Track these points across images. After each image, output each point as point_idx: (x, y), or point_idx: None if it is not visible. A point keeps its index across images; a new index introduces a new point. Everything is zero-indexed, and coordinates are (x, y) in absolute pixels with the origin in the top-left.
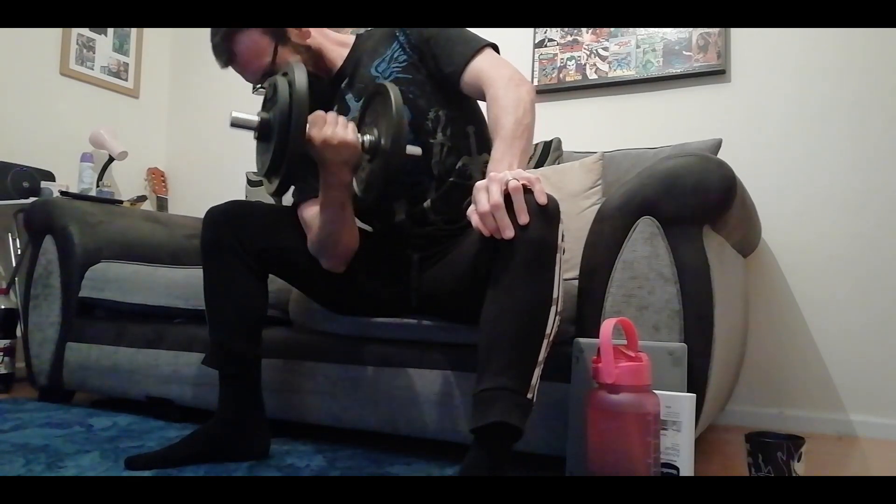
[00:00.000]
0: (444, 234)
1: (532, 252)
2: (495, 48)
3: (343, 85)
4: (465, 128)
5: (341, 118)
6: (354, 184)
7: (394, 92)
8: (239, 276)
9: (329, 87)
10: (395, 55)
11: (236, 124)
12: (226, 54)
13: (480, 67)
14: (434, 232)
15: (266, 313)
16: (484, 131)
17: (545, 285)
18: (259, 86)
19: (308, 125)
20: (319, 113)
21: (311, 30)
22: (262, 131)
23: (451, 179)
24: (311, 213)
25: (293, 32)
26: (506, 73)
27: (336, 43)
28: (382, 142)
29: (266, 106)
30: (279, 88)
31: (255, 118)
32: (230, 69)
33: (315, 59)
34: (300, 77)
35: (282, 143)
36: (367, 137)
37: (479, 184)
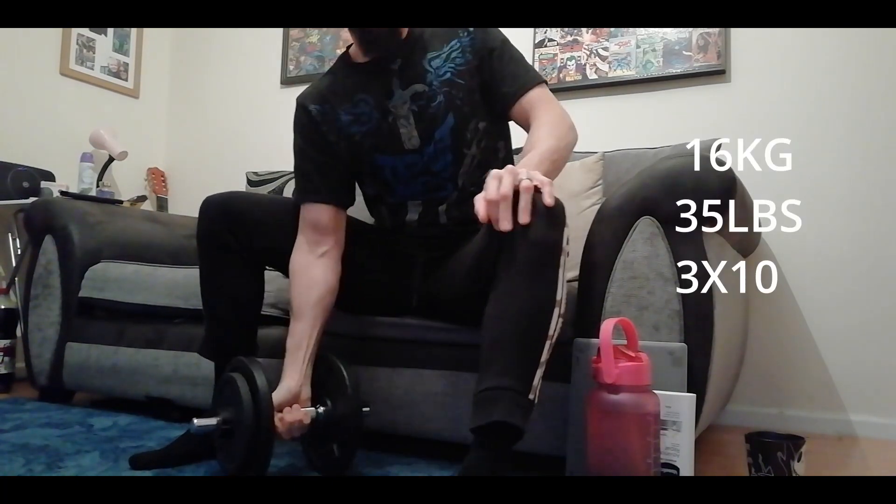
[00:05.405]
0: (451, 236)
1: (536, 253)
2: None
3: (394, 66)
4: (496, 143)
5: (295, 407)
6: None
7: (343, 365)
8: (234, 271)
9: (396, 47)
10: (454, 55)
11: (199, 430)
12: None
13: (540, 98)
14: (439, 233)
15: (261, 308)
16: (510, 148)
17: (548, 287)
18: None
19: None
20: (273, 402)
21: None
22: (224, 431)
23: (471, 189)
24: (311, 216)
25: None
26: (560, 111)
27: None
28: (339, 414)
29: (219, 402)
30: (240, 389)
31: (214, 421)
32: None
33: None
34: (261, 380)
35: (252, 443)
36: (321, 410)
37: (494, 172)
